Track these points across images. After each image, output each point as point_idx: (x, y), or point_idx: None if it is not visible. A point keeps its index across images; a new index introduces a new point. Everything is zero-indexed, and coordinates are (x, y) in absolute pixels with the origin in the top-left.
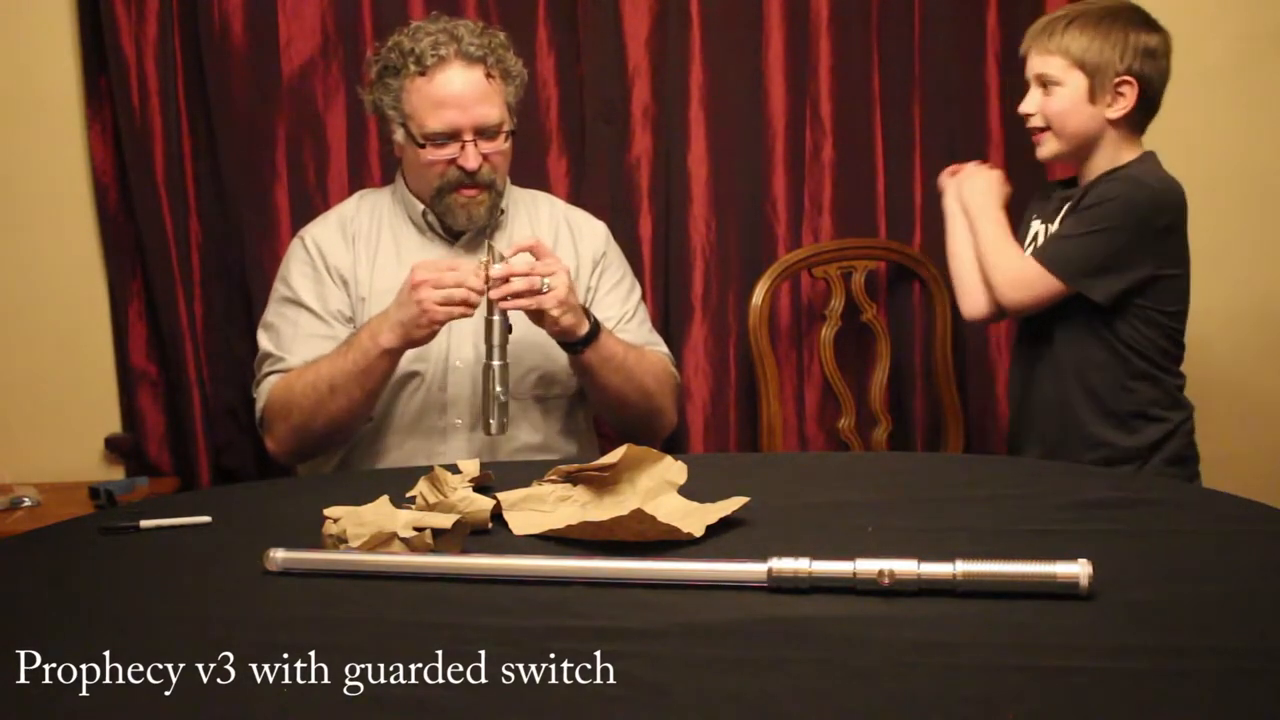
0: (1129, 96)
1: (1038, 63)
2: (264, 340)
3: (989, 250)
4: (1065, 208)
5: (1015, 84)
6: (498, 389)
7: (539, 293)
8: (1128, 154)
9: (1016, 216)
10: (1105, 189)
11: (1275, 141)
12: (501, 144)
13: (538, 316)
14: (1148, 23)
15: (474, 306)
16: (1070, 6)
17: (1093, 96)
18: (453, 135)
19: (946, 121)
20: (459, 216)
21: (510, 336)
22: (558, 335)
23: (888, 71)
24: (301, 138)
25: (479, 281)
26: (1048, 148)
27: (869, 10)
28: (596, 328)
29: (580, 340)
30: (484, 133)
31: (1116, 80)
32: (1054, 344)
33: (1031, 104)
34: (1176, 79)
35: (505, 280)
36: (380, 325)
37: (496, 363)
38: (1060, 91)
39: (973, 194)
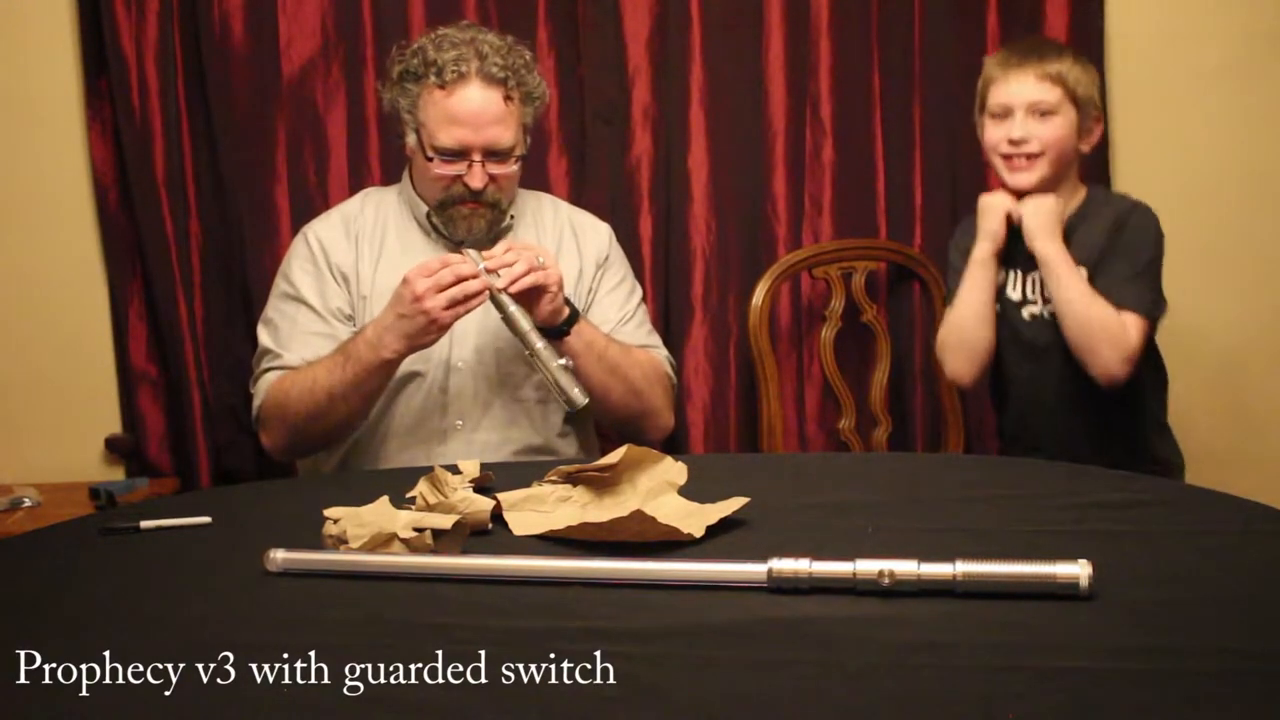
0: (1097, 133)
1: (1034, 89)
2: (263, 336)
3: (1090, 303)
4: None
5: None
6: (559, 362)
7: (538, 268)
8: (1080, 187)
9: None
10: (1140, 218)
11: (1275, 141)
12: (510, 167)
13: (530, 302)
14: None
15: (474, 295)
16: (1036, 37)
17: (1078, 130)
18: (462, 153)
19: (946, 121)
20: (459, 228)
21: (517, 329)
22: (543, 322)
23: (888, 71)
24: (301, 138)
25: (472, 267)
26: (1037, 174)
27: (869, 10)
28: (575, 313)
29: (560, 327)
30: (494, 154)
31: (1095, 115)
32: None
33: (1029, 130)
34: (1176, 79)
35: (500, 272)
36: (379, 337)
37: (539, 344)
38: (1057, 120)
39: (1052, 227)
